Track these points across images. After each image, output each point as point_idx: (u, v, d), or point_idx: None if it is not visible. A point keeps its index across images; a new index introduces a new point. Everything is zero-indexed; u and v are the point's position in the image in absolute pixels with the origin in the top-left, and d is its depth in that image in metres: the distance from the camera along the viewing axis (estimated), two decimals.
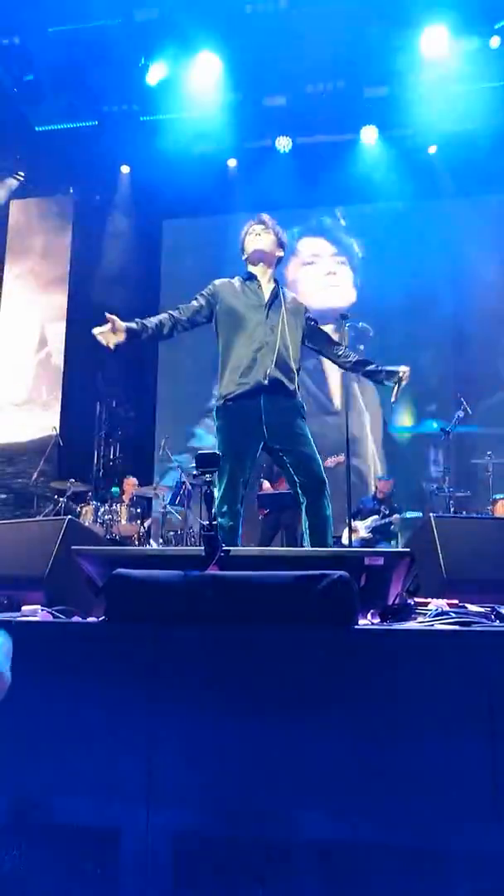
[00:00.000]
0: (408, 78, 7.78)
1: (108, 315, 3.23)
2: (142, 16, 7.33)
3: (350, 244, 9.76)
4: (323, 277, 9.72)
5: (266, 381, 3.21)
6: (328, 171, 8.72)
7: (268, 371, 3.21)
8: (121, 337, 3.21)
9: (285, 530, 7.14)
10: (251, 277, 3.43)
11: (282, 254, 3.50)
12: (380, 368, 3.42)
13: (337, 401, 9.20)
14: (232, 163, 9.17)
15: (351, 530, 6.35)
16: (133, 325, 3.27)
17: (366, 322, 5.62)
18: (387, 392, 3.45)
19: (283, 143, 8.70)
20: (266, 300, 3.36)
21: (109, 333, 3.20)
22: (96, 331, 3.22)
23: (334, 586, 1.70)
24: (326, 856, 1.55)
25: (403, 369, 3.39)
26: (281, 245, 3.48)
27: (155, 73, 7.86)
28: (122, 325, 3.23)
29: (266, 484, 7.34)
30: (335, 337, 3.70)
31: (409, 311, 9.03)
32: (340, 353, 3.49)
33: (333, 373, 9.14)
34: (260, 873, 1.55)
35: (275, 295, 3.39)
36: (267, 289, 3.41)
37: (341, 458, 7.43)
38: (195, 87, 7.91)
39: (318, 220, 9.83)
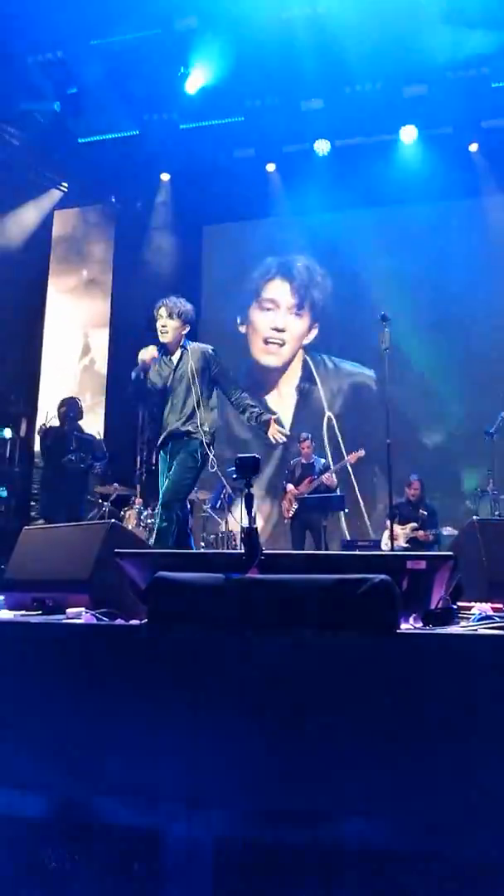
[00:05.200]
0: (446, 75, 7.68)
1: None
2: (181, 25, 7.41)
3: (313, 294, 9.72)
4: (269, 331, 9.59)
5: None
6: (368, 172, 8.66)
7: None
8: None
9: (311, 531, 7.26)
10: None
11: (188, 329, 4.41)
12: (255, 414, 4.17)
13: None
14: (271, 167, 9.19)
15: (392, 534, 6.28)
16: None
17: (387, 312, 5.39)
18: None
19: (322, 147, 8.67)
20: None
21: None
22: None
23: (376, 590, 1.68)
24: (369, 863, 1.53)
25: (272, 418, 4.19)
26: (186, 322, 4.39)
27: (193, 81, 7.93)
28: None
29: (290, 487, 7.41)
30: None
31: (452, 311, 8.90)
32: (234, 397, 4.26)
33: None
34: (301, 878, 1.55)
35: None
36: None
37: (361, 452, 7.42)
38: (233, 94, 7.96)
39: (292, 263, 9.78)
